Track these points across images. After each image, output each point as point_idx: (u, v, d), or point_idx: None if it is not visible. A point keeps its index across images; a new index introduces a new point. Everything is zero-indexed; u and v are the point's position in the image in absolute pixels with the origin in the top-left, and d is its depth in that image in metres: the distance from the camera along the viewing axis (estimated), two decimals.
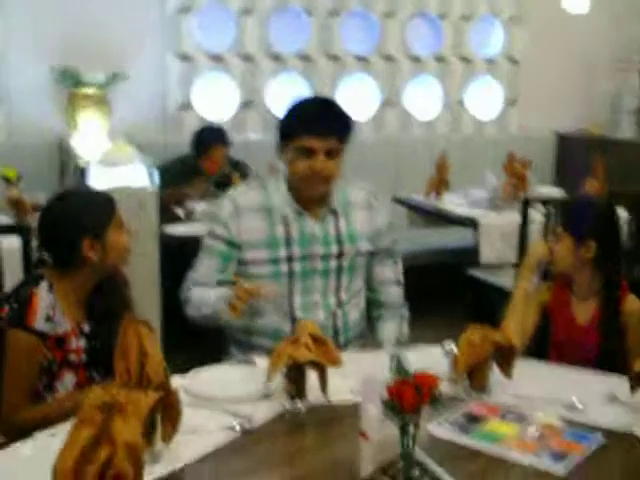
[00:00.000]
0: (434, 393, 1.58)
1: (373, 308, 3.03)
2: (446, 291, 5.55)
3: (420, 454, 1.68)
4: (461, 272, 5.03)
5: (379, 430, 1.66)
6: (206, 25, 5.85)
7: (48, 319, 2.32)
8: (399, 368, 1.57)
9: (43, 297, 2.32)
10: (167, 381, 1.85)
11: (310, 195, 2.80)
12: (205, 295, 2.74)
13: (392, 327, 2.97)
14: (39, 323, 2.30)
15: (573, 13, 6.08)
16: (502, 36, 6.73)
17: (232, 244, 2.78)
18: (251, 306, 2.65)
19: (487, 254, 4.86)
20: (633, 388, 2.12)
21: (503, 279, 4.76)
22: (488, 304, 4.75)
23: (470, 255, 4.97)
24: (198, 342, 4.30)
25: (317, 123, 2.72)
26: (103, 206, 2.44)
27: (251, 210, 2.79)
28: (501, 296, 2.69)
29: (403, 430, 1.58)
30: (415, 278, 5.49)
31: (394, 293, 3.02)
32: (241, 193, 2.86)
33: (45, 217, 2.46)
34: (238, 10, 5.86)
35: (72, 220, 2.40)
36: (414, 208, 5.49)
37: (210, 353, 3.02)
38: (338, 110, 2.82)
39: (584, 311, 2.71)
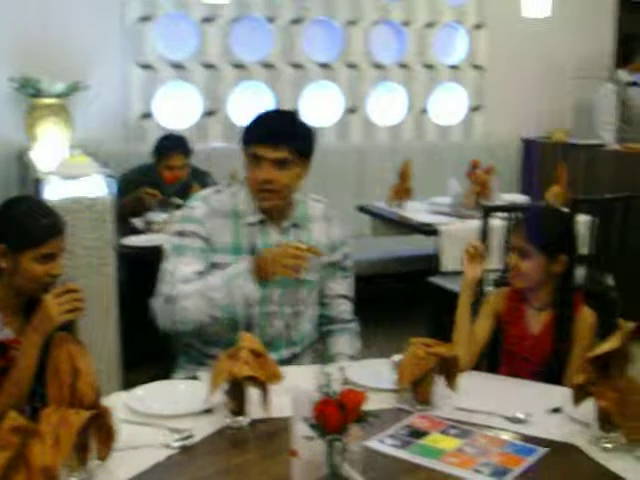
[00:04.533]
0: (360, 411, 1.56)
1: (323, 323, 3.01)
2: (408, 299, 5.55)
3: (350, 472, 1.66)
4: (423, 280, 5.02)
5: (309, 448, 1.64)
6: (167, 34, 5.82)
7: None
8: (325, 386, 1.55)
9: None
10: (99, 399, 1.83)
11: (262, 207, 2.77)
12: (207, 281, 2.66)
13: (343, 343, 2.96)
14: None
15: (533, 17, 6.09)
16: (466, 43, 6.73)
17: (207, 242, 2.74)
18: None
19: (448, 261, 4.85)
20: (576, 400, 2.11)
21: None
22: (449, 311, 4.78)
23: (432, 262, 4.97)
24: (160, 355, 4.28)
25: (267, 131, 2.72)
26: (36, 228, 2.40)
27: (222, 213, 2.77)
28: None
29: (330, 449, 1.57)
30: (377, 286, 5.56)
31: (344, 308, 3.01)
32: (213, 196, 2.83)
33: None
34: (199, 18, 5.84)
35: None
36: (377, 216, 5.47)
37: (169, 367, 2.99)
38: (294, 121, 2.81)
39: (538, 321, 2.69)
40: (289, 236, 2.81)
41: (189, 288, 2.67)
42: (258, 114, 2.82)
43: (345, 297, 3.01)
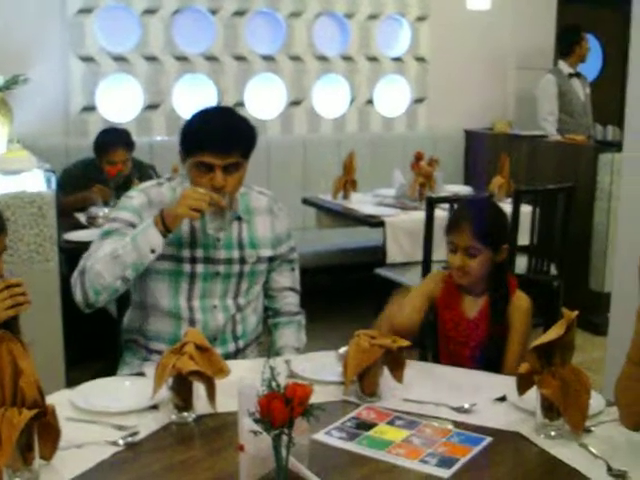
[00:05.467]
0: (306, 405, 1.55)
1: (269, 316, 3.02)
2: (354, 291, 5.57)
3: (297, 465, 1.65)
4: (369, 272, 5.03)
5: (255, 443, 1.63)
6: (109, 26, 5.75)
7: None
8: (270, 380, 1.54)
9: None
10: (42, 398, 1.80)
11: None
12: (115, 245, 2.62)
13: (289, 335, 2.97)
14: None
15: (476, 9, 6.15)
16: (409, 35, 6.76)
17: None
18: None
19: (393, 253, 4.88)
20: (520, 389, 2.13)
21: (410, 277, 4.79)
22: None
23: (378, 254, 4.99)
24: (102, 352, 4.24)
25: (215, 140, 2.63)
26: None
27: (161, 205, 2.72)
28: None
29: (276, 443, 1.56)
30: (323, 278, 5.57)
31: (290, 300, 3.01)
32: (153, 188, 2.80)
33: None
34: (141, 10, 5.77)
35: None
36: (322, 208, 5.49)
37: (113, 364, 2.97)
38: (239, 125, 2.72)
39: (474, 306, 2.73)
40: (232, 228, 2.79)
41: (100, 253, 2.64)
42: (199, 118, 2.74)
43: (291, 290, 3.01)
